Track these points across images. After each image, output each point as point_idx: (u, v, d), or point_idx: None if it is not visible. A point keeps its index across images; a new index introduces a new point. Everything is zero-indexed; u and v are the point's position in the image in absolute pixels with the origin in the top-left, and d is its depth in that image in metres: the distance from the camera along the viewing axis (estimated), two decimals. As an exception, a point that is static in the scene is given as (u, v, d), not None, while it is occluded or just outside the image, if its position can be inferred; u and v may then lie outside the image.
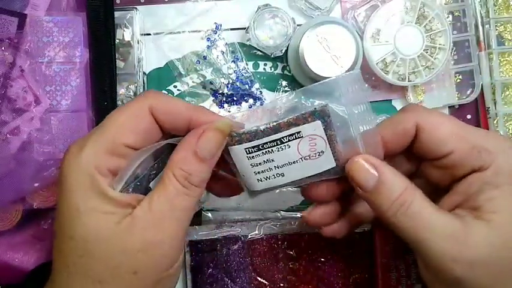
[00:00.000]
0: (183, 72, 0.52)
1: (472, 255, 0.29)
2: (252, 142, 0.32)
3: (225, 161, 0.33)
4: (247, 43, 0.52)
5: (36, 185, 0.46)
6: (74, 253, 0.29)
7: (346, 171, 0.32)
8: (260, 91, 0.52)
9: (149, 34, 0.52)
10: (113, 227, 0.29)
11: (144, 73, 0.51)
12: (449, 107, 0.53)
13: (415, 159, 0.35)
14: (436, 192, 0.33)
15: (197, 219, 0.50)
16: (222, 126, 0.31)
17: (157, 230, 0.29)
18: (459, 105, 0.53)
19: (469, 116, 0.53)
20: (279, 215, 0.50)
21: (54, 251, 0.31)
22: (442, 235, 0.29)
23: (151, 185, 0.33)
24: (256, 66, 0.53)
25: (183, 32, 0.52)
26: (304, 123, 0.31)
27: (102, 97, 0.46)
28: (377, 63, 0.50)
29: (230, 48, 0.52)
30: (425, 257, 0.30)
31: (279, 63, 0.53)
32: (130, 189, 0.32)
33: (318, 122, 0.31)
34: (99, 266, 0.29)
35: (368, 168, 0.31)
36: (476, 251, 0.29)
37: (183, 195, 0.30)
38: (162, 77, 0.52)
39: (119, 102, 0.49)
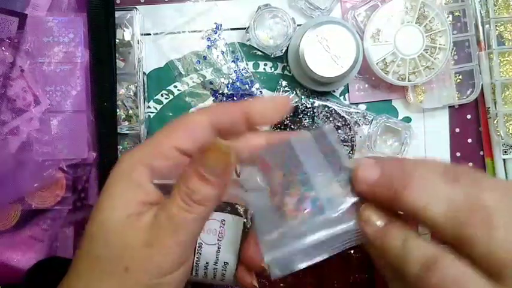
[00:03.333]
0: (183, 72, 0.52)
1: None
2: None
3: None
4: (247, 43, 0.52)
5: (35, 185, 0.46)
6: (93, 236, 0.30)
7: (372, 244, 0.28)
8: (260, 91, 0.52)
9: (149, 34, 0.52)
10: (123, 219, 0.30)
11: (144, 73, 0.51)
12: (449, 107, 0.53)
13: None
14: None
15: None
16: (222, 146, 0.30)
17: (153, 237, 0.30)
18: (459, 105, 0.53)
19: (469, 116, 0.53)
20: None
21: (85, 237, 0.31)
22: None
23: None
24: (256, 66, 0.53)
25: (183, 32, 0.52)
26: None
27: (102, 98, 0.46)
28: (377, 63, 0.50)
29: (230, 48, 0.52)
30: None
31: (279, 63, 0.53)
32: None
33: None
34: (101, 252, 0.30)
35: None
36: None
37: (183, 212, 0.30)
38: (162, 77, 0.52)
39: (118, 103, 0.49)
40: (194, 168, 0.30)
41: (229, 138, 0.33)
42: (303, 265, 0.28)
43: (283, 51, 0.51)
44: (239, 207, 0.37)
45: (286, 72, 0.53)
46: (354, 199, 0.28)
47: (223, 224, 0.37)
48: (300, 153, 0.31)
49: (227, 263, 0.35)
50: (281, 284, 0.48)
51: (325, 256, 0.28)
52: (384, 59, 0.50)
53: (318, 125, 0.30)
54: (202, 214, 0.31)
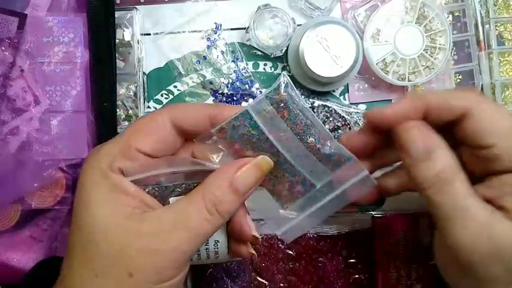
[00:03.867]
0: (183, 72, 0.52)
1: (493, 247, 0.29)
2: None
3: None
4: (247, 43, 0.52)
5: (35, 185, 0.46)
6: (81, 242, 0.30)
7: (397, 136, 0.32)
8: (260, 91, 0.52)
9: (149, 34, 0.52)
10: (121, 221, 0.29)
11: (144, 73, 0.51)
12: (449, 107, 0.53)
13: (454, 139, 0.33)
14: (470, 177, 0.32)
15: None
16: (263, 163, 0.32)
17: (162, 239, 0.29)
18: (459, 105, 0.53)
19: (469, 116, 0.53)
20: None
21: (67, 244, 0.31)
22: (472, 219, 0.29)
23: (171, 199, 0.33)
24: (256, 66, 0.53)
25: (183, 32, 0.52)
26: None
27: (102, 98, 0.46)
28: (377, 63, 0.50)
29: (230, 48, 0.52)
30: (449, 236, 0.30)
31: (279, 63, 0.53)
32: (146, 190, 0.32)
33: None
34: (100, 258, 0.29)
35: (421, 138, 0.31)
36: (498, 243, 0.29)
37: (202, 220, 0.30)
38: (162, 77, 0.52)
39: (118, 103, 0.49)
40: (226, 177, 0.30)
41: (192, 137, 0.33)
42: (309, 229, 0.34)
43: (283, 51, 0.51)
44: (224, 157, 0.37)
45: (286, 72, 0.53)
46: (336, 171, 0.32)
47: None
48: (265, 126, 0.31)
49: (218, 241, 0.35)
50: (281, 284, 0.48)
51: (324, 218, 0.34)
52: (384, 59, 0.50)
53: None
54: (219, 226, 0.31)
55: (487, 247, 0.29)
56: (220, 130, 0.32)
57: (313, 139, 0.32)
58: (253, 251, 0.35)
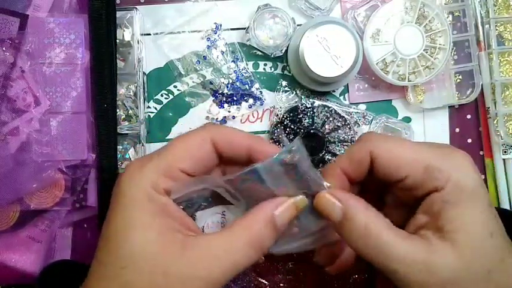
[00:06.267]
0: (183, 72, 0.52)
1: (438, 280, 0.29)
2: None
3: None
4: (247, 43, 0.52)
5: (34, 185, 0.46)
6: (118, 264, 0.29)
7: (315, 206, 0.33)
8: (260, 91, 0.52)
9: (149, 34, 0.52)
10: (166, 247, 0.29)
11: (144, 73, 0.51)
12: (449, 107, 0.53)
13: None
14: (408, 209, 0.34)
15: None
16: (300, 203, 0.33)
17: (204, 267, 0.29)
18: (459, 105, 0.53)
19: (469, 116, 0.53)
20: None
21: (95, 260, 0.31)
22: (409, 263, 0.29)
23: (197, 214, 0.34)
24: (256, 66, 0.52)
25: (183, 32, 0.52)
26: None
27: (102, 99, 0.46)
28: (377, 63, 0.50)
29: (230, 48, 0.52)
30: (397, 284, 0.30)
31: (279, 63, 0.53)
32: (181, 207, 0.33)
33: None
34: (139, 281, 0.29)
35: (334, 202, 0.32)
36: (441, 276, 0.29)
37: (244, 254, 0.31)
38: (162, 77, 0.52)
39: (118, 103, 0.49)
40: (267, 215, 0.31)
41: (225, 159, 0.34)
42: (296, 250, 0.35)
43: (283, 51, 0.51)
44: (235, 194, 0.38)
45: (286, 72, 0.53)
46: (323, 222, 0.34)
47: (224, 215, 0.38)
48: (272, 183, 0.32)
49: None
50: (281, 284, 0.48)
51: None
52: (384, 59, 0.50)
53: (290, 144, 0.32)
54: (256, 260, 0.32)
55: (434, 284, 0.29)
56: (228, 180, 0.33)
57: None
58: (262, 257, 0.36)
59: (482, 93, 0.52)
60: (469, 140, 0.53)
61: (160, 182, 0.31)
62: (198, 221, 0.37)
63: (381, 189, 0.36)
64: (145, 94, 0.51)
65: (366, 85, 0.53)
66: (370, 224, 0.31)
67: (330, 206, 0.32)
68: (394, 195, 0.35)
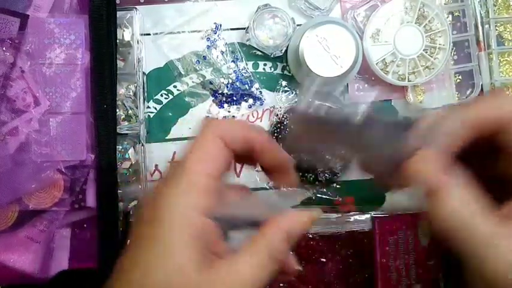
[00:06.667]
0: (182, 72, 0.52)
1: None
2: None
3: None
4: (247, 43, 0.52)
5: (33, 186, 0.46)
6: (143, 286, 0.29)
7: (407, 168, 0.30)
8: (260, 91, 0.52)
9: (149, 34, 0.52)
10: (199, 270, 0.29)
11: (143, 73, 0.51)
12: (449, 107, 0.53)
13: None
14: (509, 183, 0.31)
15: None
16: (315, 216, 0.32)
17: None
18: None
19: (468, 116, 0.53)
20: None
21: (118, 275, 0.30)
22: (500, 251, 0.27)
23: (231, 233, 0.33)
24: (256, 66, 0.52)
25: (183, 32, 0.52)
26: None
27: (102, 100, 0.46)
28: (377, 63, 0.50)
29: (230, 48, 0.52)
30: (482, 274, 0.28)
31: (278, 63, 0.53)
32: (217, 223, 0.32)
33: None
34: None
35: (429, 170, 0.29)
36: None
37: (266, 275, 0.30)
38: (162, 77, 0.52)
39: (118, 103, 0.49)
40: (284, 230, 0.31)
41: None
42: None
43: (283, 51, 0.51)
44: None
45: (286, 72, 0.53)
46: None
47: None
48: None
49: None
50: (281, 284, 0.48)
51: None
52: (384, 59, 0.50)
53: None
54: (269, 278, 0.31)
55: None
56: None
57: None
58: (300, 267, 0.36)
59: (482, 93, 0.52)
60: (469, 140, 0.53)
61: (198, 201, 0.30)
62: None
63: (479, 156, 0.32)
64: (145, 94, 0.51)
65: (366, 85, 0.53)
66: (464, 206, 0.28)
67: (423, 174, 0.29)
68: (505, 167, 0.31)
